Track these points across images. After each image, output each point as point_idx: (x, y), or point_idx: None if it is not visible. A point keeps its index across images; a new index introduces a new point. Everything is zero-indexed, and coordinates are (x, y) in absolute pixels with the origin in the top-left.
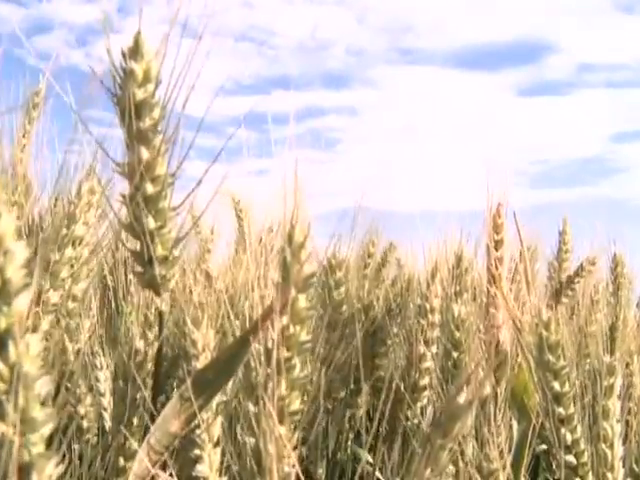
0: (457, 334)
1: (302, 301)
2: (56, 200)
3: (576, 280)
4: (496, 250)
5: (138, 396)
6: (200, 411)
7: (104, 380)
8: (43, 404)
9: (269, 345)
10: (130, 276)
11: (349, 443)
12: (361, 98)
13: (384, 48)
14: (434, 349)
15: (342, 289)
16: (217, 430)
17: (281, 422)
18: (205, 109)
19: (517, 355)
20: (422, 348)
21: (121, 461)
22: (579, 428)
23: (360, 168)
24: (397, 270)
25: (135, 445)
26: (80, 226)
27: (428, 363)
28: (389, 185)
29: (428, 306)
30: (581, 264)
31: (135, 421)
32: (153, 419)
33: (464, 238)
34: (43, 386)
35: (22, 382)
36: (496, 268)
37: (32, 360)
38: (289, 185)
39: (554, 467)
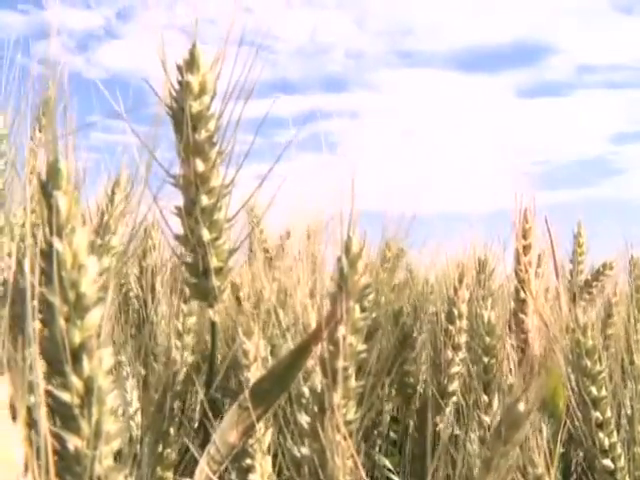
0: (488, 339)
1: (358, 311)
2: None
3: (594, 283)
4: (525, 255)
5: (175, 406)
6: (258, 422)
7: (131, 389)
8: (115, 417)
9: (326, 355)
10: (159, 285)
11: (376, 449)
12: (361, 101)
13: (384, 51)
14: (461, 354)
15: (371, 296)
16: (268, 439)
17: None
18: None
19: (545, 359)
20: (450, 353)
21: (159, 471)
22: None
23: (363, 171)
24: (407, 274)
25: (173, 455)
26: (113, 235)
27: (456, 368)
28: (395, 188)
29: (456, 311)
30: (599, 267)
31: (172, 431)
32: (189, 429)
33: (488, 241)
34: (115, 400)
35: (96, 396)
36: (526, 272)
37: (105, 374)
38: (341, 192)
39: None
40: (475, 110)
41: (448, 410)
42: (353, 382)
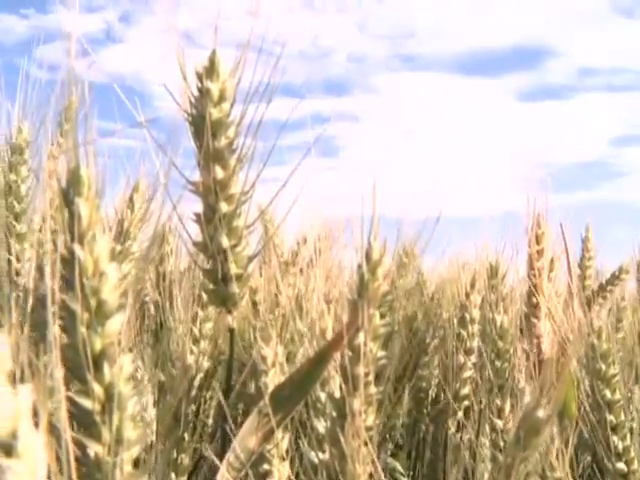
0: (500, 343)
1: (378, 318)
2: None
3: (609, 288)
4: (537, 259)
5: (190, 412)
6: (278, 428)
7: (146, 394)
8: (135, 424)
9: (346, 361)
10: (176, 291)
11: (388, 453)
12: (363, 105)
13: (385, 55)
14: (473, 359)
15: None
16: (285, 444)
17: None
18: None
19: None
20: (463, 357)
21: (173, 476)
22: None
23: (365, 175)
24: (419, 279)
25: (187, 460)
26: (132, 242)
27: (469, 372)
28: (405, 192)
29: (468, 316)
30: (615, 271)
31: (187, 437)
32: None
33: (499, 245)
34: (135, 406)
35: (117, 402)
36: (538, 276)
37: (125, 381)
38: (361, 196)
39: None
40: (476, 113)
41: (460, 414)
42: (373, 388)
